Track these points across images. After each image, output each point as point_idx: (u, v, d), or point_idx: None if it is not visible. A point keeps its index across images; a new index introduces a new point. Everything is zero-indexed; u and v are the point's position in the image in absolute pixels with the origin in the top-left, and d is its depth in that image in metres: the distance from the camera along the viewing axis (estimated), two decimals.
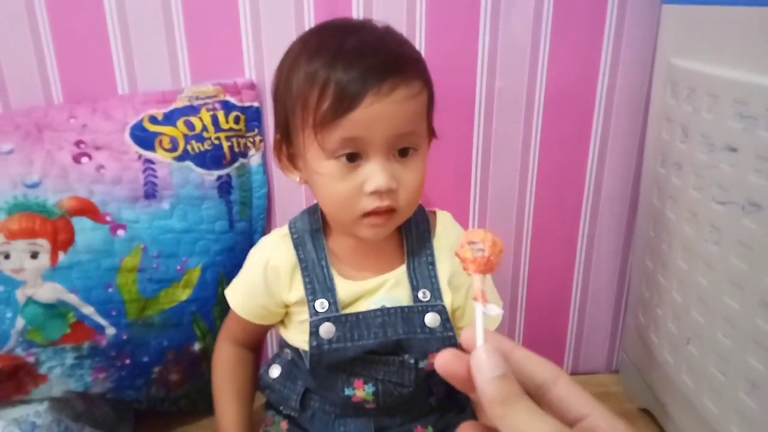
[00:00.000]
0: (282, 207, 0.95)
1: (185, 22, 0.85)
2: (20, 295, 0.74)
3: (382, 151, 0.59)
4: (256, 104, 0.89)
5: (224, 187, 0.87)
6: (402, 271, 0.67)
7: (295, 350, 0.69)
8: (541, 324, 1.03)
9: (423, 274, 0.67)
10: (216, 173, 0.86)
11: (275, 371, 0.74)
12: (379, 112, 0.57)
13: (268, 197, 0.93)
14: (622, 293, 1.03)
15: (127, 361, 0.81)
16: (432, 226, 0.70)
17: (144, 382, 0.85)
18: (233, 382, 0.74)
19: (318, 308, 0.65)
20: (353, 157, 0.59)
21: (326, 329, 0.64)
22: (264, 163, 0.92)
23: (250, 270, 0.71)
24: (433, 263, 0.67)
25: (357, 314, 0.65)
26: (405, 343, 0.64)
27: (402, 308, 0.65)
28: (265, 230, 0.94)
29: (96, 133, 0.81)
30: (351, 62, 0.57)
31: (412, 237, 0.69)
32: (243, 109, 0.88)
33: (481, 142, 0.92)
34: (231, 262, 0.89)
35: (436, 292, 0.66)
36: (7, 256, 0.73)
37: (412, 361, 0.64)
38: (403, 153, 0.60)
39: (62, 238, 0.76)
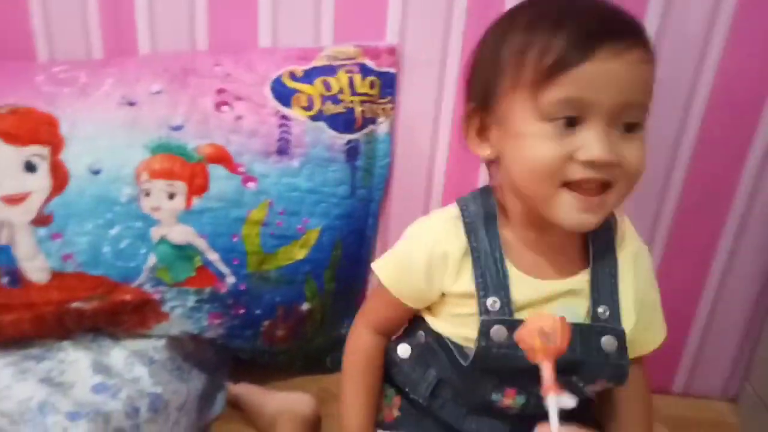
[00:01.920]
0: (401, 180, 0.92)
1: None
2: (155, 234, 0.76)
3: (606, 118, 0.51)
4: (393, 70, 0.86)
5: (352, 152, 0.86)
6: (583, 279, 0.59)
7: (437, 337, 0.64)
8: None
9: (605, 287, 0.59)
10: (347, 137, 0.85)
11: (404, 351, 0.67)
12: (613, 70, 0.50)
13: (390, 168, 0.91)
14: (757, 318, 0.94)
15: (242, 311, 0.83)
16: (615, 230, 0.61)
17: (252, 333, 0.86)
18: (367, 378, 0.68)
19: (489, 306, 0.58)
20: (572, 122, 0.51)
21: (498, 332, 0.57)
22: (391, 133, 0.90)
23: (413, 250, 0.62)
24: (616, 277, 0.60)
25: None
26: (577, 364, 0.58)
27: (581, 326, 0.58)
28: (382, 201, 0.93)
29: (238, 83, 0.82)
30: (583, 15, 0.51)
31: (598, 240, 0.60)
32: (380, 74, 0.86)
33: None
34: (347, 228, 0.89)
35: (615, 312, 0.59)
36: (147, 194, 0.75)
37: (580, 385, 0.59)
38: (629, 128, 0.52)
39: (198, 183, 0.77)
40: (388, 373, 0.70)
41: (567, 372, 0.58)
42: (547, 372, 0.36)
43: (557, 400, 0.38)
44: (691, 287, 0.94)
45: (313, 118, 0.83)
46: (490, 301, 0.58)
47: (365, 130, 0.87)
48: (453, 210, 0.62)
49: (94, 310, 0.76)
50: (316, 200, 0.84)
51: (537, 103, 0.52)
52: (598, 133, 0.51)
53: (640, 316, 0.60)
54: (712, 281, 0.93)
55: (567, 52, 0.50)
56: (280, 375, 0.96)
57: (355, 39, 0.86)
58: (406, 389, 0.67)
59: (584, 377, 0.59)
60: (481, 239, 0.60)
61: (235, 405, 0.89)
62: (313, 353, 0.96)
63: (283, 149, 0.81)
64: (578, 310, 0.59)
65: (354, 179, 0.88)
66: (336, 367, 0.99)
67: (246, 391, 0.88)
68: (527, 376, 0.58)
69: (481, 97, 0.58)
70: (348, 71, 0.85)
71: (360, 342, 0.69)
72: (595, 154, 0.50)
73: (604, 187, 0.53)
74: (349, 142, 0.86)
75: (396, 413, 0.69)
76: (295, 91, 0.83)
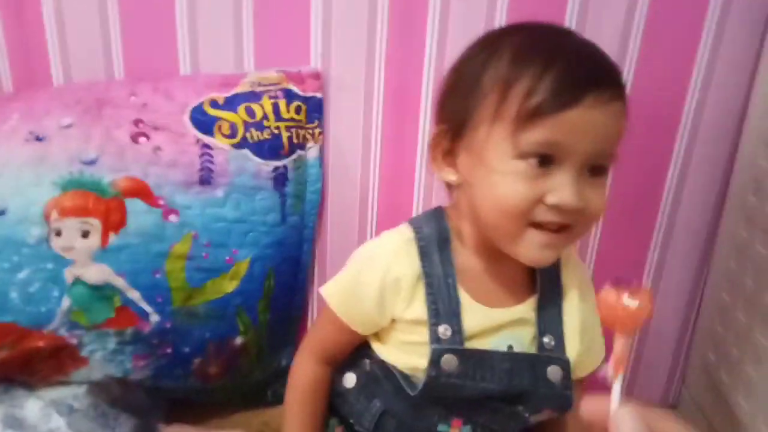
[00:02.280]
0: (334, 204, 0.91)
1: (254, 5, 0.82)
2: (68, 275, 0.72)
3: (578, 163, 0.52)
4: (319, 95, 0.85)
5: (280, 178, 0.84)
6: (529, 307, 0.59)
7: (382, 366, 0.62)
8: None
9: (551, 316, 0.59)
10: (273, 164, 0.83)
11: (350, 381, 0.66)
12: (595, 119, 0.51)
13: (322, 192, 0.90)
14: (688, 327, 0.96)
15: (168, 350, 0.79)
16: (561, 258, 0.61)
17: (183, 372, 0.82)
18: (310, 408, 0.66)
19: (441, 334, 0.56)
20: (546, 161, 0.52)
21: (448, 361, 0.56)
22: (321, 157, 0.88)
23: (365, 274, 0.61)
24: (560, 305, 0.60)
25: (483, 352, 0.57)
26: (525, 395, 0.58)
27: (530, 356, 0.58)
28: (316, 227, 0.91)
29: (156, 113, 0.79)
30: (572, 59, 0.52)
31: (544, 268, 0.60)
32: (305, 99, 0.85)
33: None
34: (280, 256, 0.86)
35: (559, 341, 0.59)
36: (58, 233, 0.71)
37: (525, 414, 0.59)
38: (595, 172, 0.53)
39: (114, 219, 0.73)
40: (331, 403, 0.68)
41: (513, 402, 0.58)
42: (622, 347, 0.35)
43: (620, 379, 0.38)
44: None
45: (237, 146, 0.81)
46: (441, 329, 0.57)
47: (293, 156, 0.85)
48: (406, 232, 0.61)
49: (4, 359, 0.71)
50: (244, 230, 0.81)
51: (515, 140, 0.52)
52: (571, 178, 0.52)
53: (584, 339, 0.60)
54: None
55: (554, 96, 0.50)
56: (219, 411, 0.92)
57: (278, 64, 0.85)
58: (351, 420, 0.65)
59: (530, 407, 0.58)
60: (434, 264, 0.59)
61: None
62: (252, 387, 0.93)
63: (205, 179, 0.79)
64: (524, 339, 0.59)
65: (284, 206, 0.85)
66: (278, 399, 0.95)
67: None
68: (475, 405, 0.58)
69: (455, 121, 0.57)
70: (272, 97, 0.83)
71: (304, 372, 0.66)
72: (565, 200, 0.51)
73: (564, 227, 0.53)
74: (276, 168, 0.83)
75: None
76: (217, 119, 0.80)
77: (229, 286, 0.81)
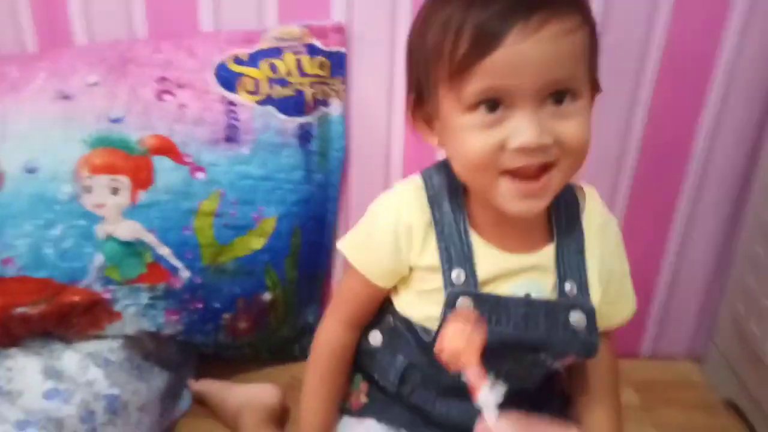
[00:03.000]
0: (359, 162, 0.91)
1: None
2: (100, 231, 0.73)
3: (530, 99, 0.49)
4: (342, 49, 0.84)
5: (304, 135, 0.84)
6: (549, 254, 0.58)
7: (403, 320, 0.62)
8: None
9: (571, 262, 0.58)
10: (298, 120, 0.82)
11: (375, 339, 0.65)
12: (526, 52, 0.47)
13: (346, 150, 0.89)
14: (718, 278, 0.95)
15: (199, 306, 0.80)
16: (580, 203, 0.60)
17: (213, 327, 0.84)
18: (332, 381, 0.65)
19: (454, 279, 0.56)
20: (494, 106, 0.49)
21: (463, 304, 0.56)
22: (345, 114, 0.87)
23: (378, 225, 0.61)
24: (582, 251, 0.58)
25: (500, 297, 0.57)
26: (545, 341, 0.57)
27: (548, 302, 0.57)
28: (341, 185, 0.91)
29: (180, 71, 0.79)
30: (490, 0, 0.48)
31: (561, 214, 0.59)
32: (329, 55, 0.84)
33: None
34: (306, 214, 0.86)
35: (583, 287, 0.58)
36: (89, 190, 0.72)
37: (548, 361, 0.58)
38: (559, 98, 0.50)
39: (143, 176, 0.74)
40: (357, 360, 0.68)
41: (535, 350, 0.58)
42: (474, 372, 0.39)
43: (492, 394, 0.40)
44: (653, 252, 0.95)
45: (261, 103, 0.80)
46: (454, 273, 0.56)
47: (317, 113, 0.85)
48: (416, 181, 0.61)
49: (41, 314, 0.73)
50: (270, 187, 0.82)
51: (459, 96, 0.50)
52: (525, 117, 0.49)
53: (608, 289, 0.59)
54: (672, 244, 0.94)
55: (475, 43, 0.48)
56: (248, 367, 0.94)
57: (300, 19, 0.84)
58: (376, 377, 0.66)
59: (553, 354, 0.58)
60: (444, 211, 0.58)
61: (201, 402, 0.87)
62: (279, 343, 0.95)
63: (231, 136, 0.79)
64: (544, 286, 0.58)
65: (309, 164, 0.85)
66: (304, 354, 0.96)
67: (208, 387, 0.86)
68: (496, 353, 0.57)
69: (417, 89, 0.56)
70: (295, 52, 0.82)
71: (329, 338, 0.66)
72: (525, 140, 0.49)
73: (546, 168, 0.51)
74: (301, 125, 0.83)
75: (363, 399, 0.67)
76: (241, 75, 0.80)
77: (257, 243, 0.82)
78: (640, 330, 1.00)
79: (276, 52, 0.82)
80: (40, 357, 0.73)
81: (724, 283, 0.93)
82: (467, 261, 0.57)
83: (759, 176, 0.84)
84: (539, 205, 0.53)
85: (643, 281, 0.96)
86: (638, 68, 0.83)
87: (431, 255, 0.58)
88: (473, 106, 0.50)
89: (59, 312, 0.74)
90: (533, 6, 0.48)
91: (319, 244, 0.92)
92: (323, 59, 0.83)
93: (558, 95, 0.50)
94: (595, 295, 0.58)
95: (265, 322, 0.88)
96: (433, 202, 0.59)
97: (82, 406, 0.67)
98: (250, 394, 0.83)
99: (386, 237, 0.59)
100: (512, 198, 0.52)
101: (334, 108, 0.86)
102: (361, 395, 0.68)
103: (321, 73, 0.84)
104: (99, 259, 0.73)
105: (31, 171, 0.71)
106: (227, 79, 0.79)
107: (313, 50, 0.83)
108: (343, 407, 0.67)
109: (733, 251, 0.92)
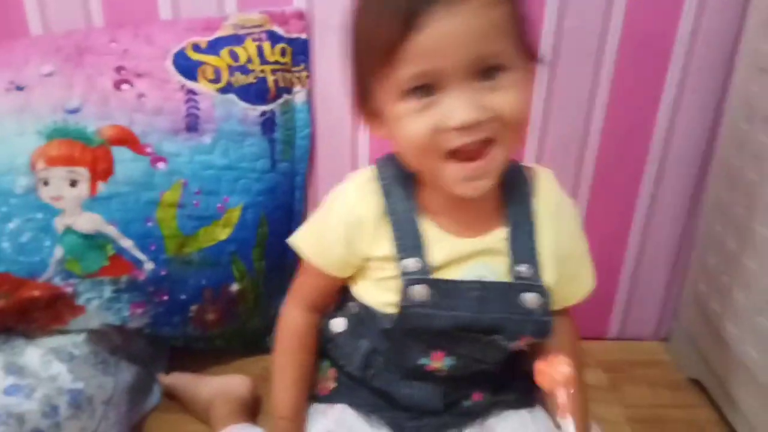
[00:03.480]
0: (325, 149, 0.90)
1: None
2: (59, 224, 0.72)
3: (461, 78, 0.49)
4: (303, 36, 0.83)
5: (268, 123, 0.83)
6: (501, 236, 0.58)
7: (364, 307, 0.63)
8: None
9: (524, 244, 0.58)
10: (260, 108, 0.82)
11: (338, 325, 0.66)
12: (449, 29, 0.47)
13: (312, 138, 0.89)
14: (680, 258, 0.97)
15: (165, 298, 0.79)
16: (532, 185, 0.60)
17: (181, 319, 0.83)
18: (298, 356, 0.66)
19: (408, 268, 0.57)
20: (428, 91, 0.49)
21: (419, 291, 0.56)
22: (309, 101, 0.87)
23: (329, 218, 0.62)
24: (533, 232, 0.59)
25: (453, 282, 0.57)
26: (498, 322, 0.58)
27: (502, 284, 0.58)
28: (307, 173, 0.90)
29: (137, 59, 0.78)
30: None
31: (513, 197, 0.59)
32: (290, 41, 0.83)
33: (544, 84, 0.85)
34: (272, 204, 0.86)
35: (536, 268, 0.58)
36: (46, 183, 0.71)
37: (503, 343, 0.59)
38: (490, 74, 0.49)
39: (102, 168, 0.73)
40: (323, 348, 0.69)
41: (490, 332, 0.58)
42: (563, 398, 0.44)
43: (568, 423, 0.43)
44: (617, 234, 0.96)
45: (222, 91, 0.79)
46: (409, 262, 0.57)
47: (280, 100, 0.84)
48: (368, 173, 0.61)
49: (1, 309, 0.71)
50: (234, 177, 0.81)
51: (390, 85, 0.50)
52: (458, 96, 0.49)
53: (564, 269, 0.60)
54: (636, 226, 0.95)
55: (392, 31, 0.48)
56: (220, 359, 0.94)
57: (260, 6, 0.83)
58: (341, 363, 0.66)
59: (507, 335, 0.58)
60: (397, 201, 0.58)
61: (171, 396, 0.87)
62: (250, 335, 0.94)
63: (192, 125, 0.78)
64: (497, 269, 0.58)
65: (273, 152, 0.85)
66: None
67: (178, 380, 0.86)
68: (451, 337, 0.58)
69: (358, 84, 0.56)
70: (256, 39, 0.81)
71: (291, 320, 0.67)
72: (460, 118, 0.49)
73: (487, 143, 0.51)
74: (263, 113, 0.82)
75: (332, 385, 0.68)
76: (201, 63, 0.79)
77: (222, 233, 0.81)
78: (608, 312, 1.01)
79: (236, 39, 0.81)
80: (1, 353, 0.72)
81: (687, 263, 0.95)
82: (420, 248, 0.57)
83: (718, 157, 0.85)
84: (486, 184, 0.53)
85: (608, 264, 0.97)
86: (598, 50, 0.84)
87: (386, 244, 0.58)
88: (407, 93, 0.50)
89: (20, 307, 0.72)
90: None
91: (287, 233, 0.89)
92: (285, 46, 0.83)
93: (489, 71, 0.50)
94: (549, 276, 0.59)
95: (234, 314, 0.88)
96: (386, 192, 0.59)
97: (44, 401, 0.66)
98: (221, 386, 0.83)
99: (338, 231, 0.60)
100: (459, 180, 0.52)
101: (298, 95, 0.86)
102: (329, 381, 0.68)
103: (283, 60, 0.83)
104: (59, 252, 0.72)
105: None
106: (187, 68, 0.78)
107: (274, 37, 0.82)
108: (313, 394, 0.67)
109: (695, 232, 0.93)
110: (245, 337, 0.94)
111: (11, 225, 0.70)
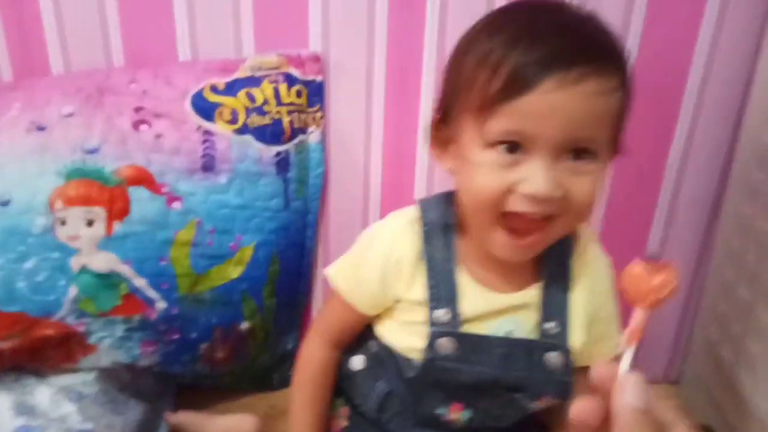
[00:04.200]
0: (337, 188, 0.91)
1: None
2: (74, 263, 0.72)
3: (550, 150, 0.49)
4: (319, 78, 0.85)
5: (282, 163, 0.84)
6: (535, 293, 0.58)
7: (385, 348, 0.62)
8: None
9: (556, 302, 0.58)
10: (275, 149, 0.83)
11: (357, 363, 0.66)
12: (558, 102, 0.47)
13: (325, 177, 0.90)
14: (690, 304, 0.97)
15: (176, 336, 0.79)
16: (572, 243, 0.60)
17: (190, 357, 0.83)
18: (317, 390, 0.66)
19: (439, 318, 0.57)
20: (513, 148, 0.50)
21: (445, 344, 0.56)
22: (323, 141, 0.88)
23: (369, 254, 0.61)
24: (567, 291, 0.58)
25: (480, 337, 0.57)
26: (521, 380, 0.58)
27: (527, 341, 0.58)
28: (319, 211, 0.91)
29: (156, 100, 0.79)
30: (535, 42, 0.48)
31: (552, 254, 0.58)
32: (306, 83, 0.84)
33: None
34: (284, 242, 0.86)
35: (563, 328, 0.58)
36: (63, 222, 0.71)
37: (524, 401, 0.59)
38: (578, 155, 0.50)
39: (118, 207, 0.73)
40: (339, 385, 0.69)
41: (512, 389, 0.58)
42: (640, 318, 0.37)
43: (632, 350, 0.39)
44: None
45: (239, 132, 0.80)
46: (440, 312, 0.57)
47: (295, 141, 0.85)
48: (411, 213, 0.61)
49: (14, 348, 0.71)
50: (248, 216, 0.81)
51: (481, 131, 0.50)
52: (542, 166, 0.49)
53: (592, 329, 0.59)
54: None
55: (510, 82, 0.48)
56: (227, 396, 0.93)
57: (277, 48, 0.84)
58: (357, 402, 0.66)
59: (529, 394, 0.58)
60: (436, 247, 0.59)
61: None
62: (258, 372, 0.94)
63: (208, 166, 0.79)
64: (526, 325, 0.58)
65: (287, 191, 0.86)
66: (284, 383, 0.97)
67: (185, 419, 0.85)
68: (473, 391, 0.58)
69: (443, 109, 0.56)
70: (273, 81, 0.83)
71: (313, 354, 0.67)
72: (536, 189, 0.49)
73: (547, 219, 0.51)
74: (278, 153, 0.83)
75: (344, 423, 0.68)
76: (218, 104, 0.80)
77: (234, 272, 0.81)
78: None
79: (254, 81, 0.82)
80: (12, 392, 0.71)
81: (697, 308, 0.95)
82: (453, 300, 0.57)
83: (728, 203, 0.86)
84: (528, 256, 0.54)
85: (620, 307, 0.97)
86: None
87: (419, 289, 0.58)
88: (493, 144, 0.50)
89: (32, 346, 0.72)
90: (575, 58, 0.47)
91: (297, 271, 0.92)
92: (301, 87, 0.84)
93: (577, 152, 0.50)
94: (577, 336, 0.58)
95: (243, 351, 0.88)
96: (427, 236, 0.59)
97: None
98: (228, 426, 0.82)
99: (375, 269, 0.60)
100: (503, 248, 0.53)
101: (313, 136, 0.87)
102: (341, 420, 0.68)
103: (298, 101, 0.84)
104: (73, 291, 0.72)
105: (4, 204, 0.70)
106: (204, 109, 0.79)
107: (290, 79, 0.83)
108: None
109: (706, 277, 0.93)
110: (253, 374, 0.94)
111: (28, 264, 0.70)
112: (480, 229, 0.54)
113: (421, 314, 0.58)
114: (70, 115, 0.75)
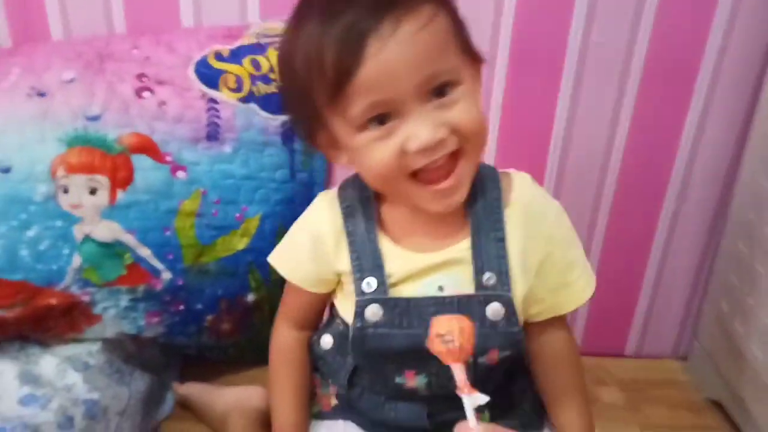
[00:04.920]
0: None
1: None
2: (77, 232, 0.71)
3: (413, 101, 0.49)
4: None
5: (288, 133, 0.82)
6: (465, 246, 0.57)
7: (344, 322, 0.62)
8: (610, 299, 0.96)
9: (490, 252, 0.56)
10: (281, 118, 0.81)
11: (327, 342, 0.66)
12: (390, 58, 0.47)
13: None
14: (701, 276, 0.96)
15: (181, 307, 0.79)
16: (504, 191, 0.59)
17: (196, 329, 0.82)
18: (290, 375, 0.66)
19: (364, 288, 0.57)
20: (383, 119, 0.50)
21: (372, 311, 0.56)
22: None
23: (296, 235, 0.64)
24: (503, 239, 0.57)
25: (407, 300, 0.56)
26: None
27: (460, 297, 0.56)
28: (325, 183, 0.89)
29: (159, 67, 0.77)
30: (337, 19, 0.48)
31: (477, 204, 0.58)
32: None
33: (567, 101, 0.84)
34: (290, 214, 0.84)
35: (504, 277, 0.56)
36: (65, 190, 0.70)
37: (472, 358, 0.56)
38: (441, 92, 0.50)
39: (121, 176, 0.72)
40: (315, 365, 0.69)
41: None
42: (457, 373, 0.38)
43: (471, 399, 0.39)
44: (638, 250, 0.95)
45: (244, 100, 0.79)
46: (365, 282, 0.57)
47: None
48: (331, 193, 0.63)
49: (17, 317, 0.71)
50: (253, 186, 0.80)
51: (346, 119, 0.50)
52: (415, 119, 0.49)
53: (547, 277, 0.58)
54: (657, 244, 0.94)
55: (340, 67, 0.48)
56: (232, 368, 0.93)
57: (283, 14, 0.82)
58: (330, 380, 0.66)
59: (475, 349, 0.56)
60: (358, 222, 0.59)
61: (185, 405, 0.86)
62: (264, 344, 0.91)
63: (212, 135, 0.77)
64: (460, 278, 0.57)
65: (293, 162, 0.84)
66: None
67: (193, 390, 0.85)
68: (417, 357, 0.57)
69: (305, 118, 0.56)
70: (278, 48, 0.80)
71: (281, 339, 0.68)
72: (422, 141, 0.49)
73: (454, 157, 0.51)
74: (284, 123, 0.81)
75: (334, 402, 0.67)
76: (223, 72, 0.78)
77: (240, 243, 0.80)
78: (625, 329, 1.00)
79: (259, 48, 0.80)
80: (17, 362, 0.71)
81: (708, 281, 0.94)
82: (379, 268, 0.57)
83: (741, 176, 0.84)
84: (458, 199, 0.53)
85: (627, 280, 0.96)
86: (623, 70, 0.83)
87: (344, 263, 0.59)
88: (364, 125, 0.50)
89: (36, 315, 0.72)
90: (380, 11, 0.47)
91: None
92: None
93: (440, 89, 0.50)
94: (519, 285, 0.57)
95: (249, 324, 0.87)
96: (347, 214, 0.60)
97: (59, 412, 0.66)
98: (236, 398, 0.81)
99: (305, 248, 0.61)
100: (429, 200, 0.53)
101: None
102: (331, 398, 0.68)
103: None
104: (77, 260, 0.71)
105: (4, 171, 0.69)
106: (209, 76, 0.78)
107: None
108: (314, 412, 0.67)
109: (717, 250, 0.92)
110: (259, 346, 0.92)
111: (30, 233, 0.69)
112: (401, 197, 0.55)
113: (353, 286, 0.58)
114: (71, 81, 0.73)
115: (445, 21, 0.51)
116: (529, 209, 0.59)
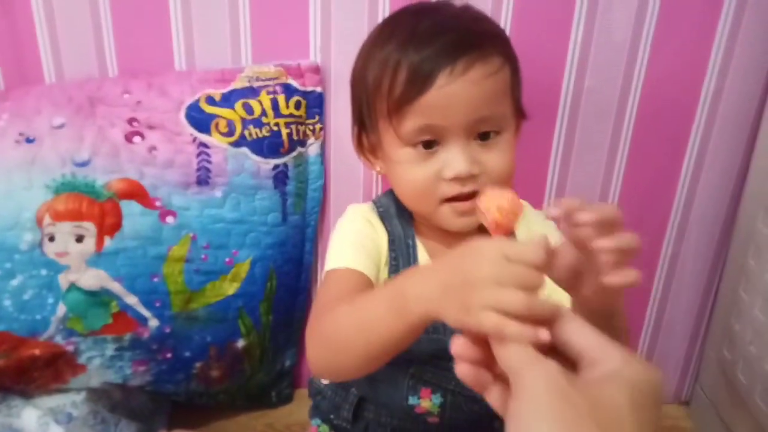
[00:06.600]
0: (337, 201, 0.88)
1: None
2: (63, 281, 0.70)
3: (460, 135, 0.56)
4: (319, 89, 0.82)
5: (280, 177, 0.81)
6: None
7: None
8: None
9: None
10: (273, 162, 0.80)
11: None
12: (454, 93, 0.54)
13: (324, 190, 0.87)
14: (702, 322, 0.94)
15: (169, 355, 0.77)
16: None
17: (184, 376, 0.80)
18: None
19: None
20: (430, 144, 0.56)
21: None
22: (322, 154, 0.85)
23: (352, 227, 0.63)
24: None
25: None
26: None
27: None
28: (318, 226, 0.88)
29: (150, 111, 0.76)
30: (423, 43, 0.54)
31: None
32: (305, 94, 0.82)
33: (561, 145, 0.84)
34: (282, 257, 0.84)
35: None
36: (51, 239, 0.69)
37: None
38: (485, 137, 0.57)
39: (109, 222, 0.71)
40: (313, 403, 0.69)
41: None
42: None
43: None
44: (639, 295, 0.93)
45: (235, 144, 0.78)
46: None
47: (293, 153, 0.82)
48: (365, 204, 0.67)
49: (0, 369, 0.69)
50: (244, 230, 0.79)
51: (397, 133, 0.56)
52: (457, 151, 0.56)
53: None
54: (656, 288, 0.92)
55: (410, 85, 0.54)
56: (223, 414, 0.91)
57: (276, 58, 0.82)
58: (331, 416, 0.66)
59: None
60: (395, 225, 0.63)
61: None
62: (255, 390, 0.91)
63: (203, 179, 0.76)
64: None
65: (285, 205, 0.83)
66: (281, 400, 0.94)
67: None
68: (438, 371, 0.59)
69: (360, 120, 0.62)
70: (270, 92, 0.80)
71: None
72: (457, 170, 0.55)
73: (477, 194, 0.55)
74: (276, 167, 0.81)
75: None
76: (214, 116, 0.78)
77: (230, 288, 0.79)
78: None
79: (251, 92, 0.80)
80: None
81: (708, 327, 0.92)
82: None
83: (740, 222, 0.83)
84: (473, 221, 0.58)
85: (629, 324, 0.94)
86: (618, 116, 0.83)
87: (384, 257, 0.62)
88: (410, 143, 0.57)
89: (19, 366, 0.70)
90: (459, 50, 0.54)
91: (295, 287, 0.89)
92: (300, 99, 0.81)
93: (484, 135, 0.57)
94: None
95: (239, 370, 0.85)
96: (384, 218, 0.64)
97: None
98: None
99: (360, 231, 0.62)
100: (451, 218, 0.58)
101: (312, 148, 0.84)
102: None
103: (297, 113, 0.81)
104: (61, 310, 0.70)
105: None
106: (200, 120, 0.77)
107: (289, 90, 0.81)
108: None
109: (717, 295, 0.90)
110: (250, 392, 0.91)
111: (14, 282, 0.68)
112: (426, 215, 0.60)
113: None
114: (61, 126, 0.73)
115: (509, 74, 0.58)
116: (537, 230, 0.63)
